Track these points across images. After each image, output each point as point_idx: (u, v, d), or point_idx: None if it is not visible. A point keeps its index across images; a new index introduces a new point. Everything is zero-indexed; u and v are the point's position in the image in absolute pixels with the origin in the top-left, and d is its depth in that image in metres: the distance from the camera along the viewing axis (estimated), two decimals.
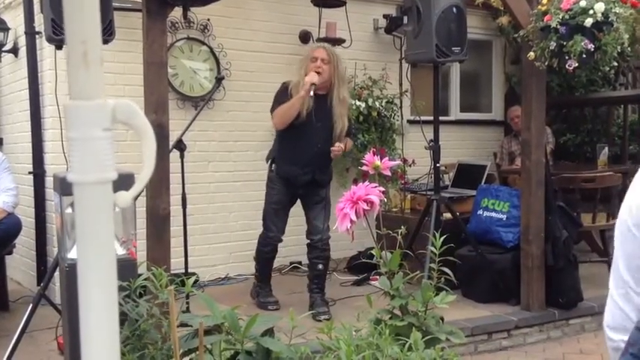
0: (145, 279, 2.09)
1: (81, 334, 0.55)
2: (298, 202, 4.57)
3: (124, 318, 1.94)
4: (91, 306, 0.55)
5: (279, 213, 4.44)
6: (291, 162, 4.33)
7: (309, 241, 4.49)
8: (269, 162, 4.51)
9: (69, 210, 2.08)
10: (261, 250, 4.52)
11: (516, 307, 4.49)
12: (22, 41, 5.19)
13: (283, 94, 4.27)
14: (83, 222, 0.57)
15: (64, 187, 2.09)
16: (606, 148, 6.35)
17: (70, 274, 2.08)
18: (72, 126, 0.57)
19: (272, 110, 4.31)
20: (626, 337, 1.53)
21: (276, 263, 5.16)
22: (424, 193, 5.41)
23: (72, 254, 2.11)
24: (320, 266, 4.45)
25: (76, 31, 0.54)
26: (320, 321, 4.01)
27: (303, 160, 4.30)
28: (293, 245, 5.23)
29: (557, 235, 4.35)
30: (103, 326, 0.55)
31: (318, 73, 4.16)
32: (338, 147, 4.23)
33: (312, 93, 4.10)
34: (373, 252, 2.27)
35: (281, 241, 4.52)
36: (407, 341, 1.97)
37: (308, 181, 4.36)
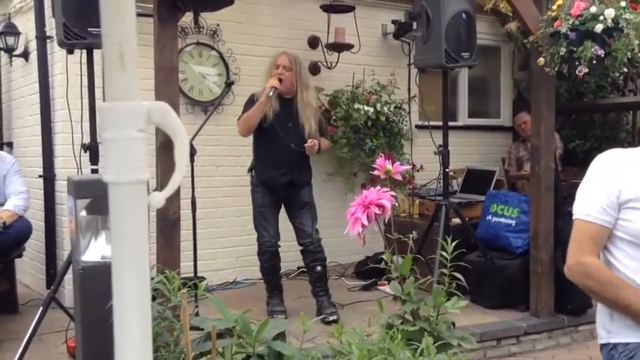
0: (157, 282, 2.10)
1: (115, 331, 0.56)
2: None
3: None
4: (125, 304, 0.56)
5: (267, 216, 4.45)
6: (269, 165, 4.42)
7: (301, 247, 4.52)
8: (250, 170, 4.59)
9: (83, 213, 2.09)
10: (260, 260, 4.52)
11: (525, 313, 4.48)
12: (33, 45, 5.22)
13: (249, 104, 4.40)
14: (118, 222, 0.58)
15: (79, 191, 2.10)
16: None
17: (85, 277, 2.09)
18: (107, 127, 0.57)
19: (238, 119, 4.44)
20: None
21: (282, 268, 5.17)
22: (433, 198, 5.41)
23: (86, 257, 2.12)
24: (318, 268, 4.48)
25: (113, 33, 0.55)
26: (329, 323, 4.10)
27: (280, 161, 4.38)
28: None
29: (566, 240, 4.32)
30: (137, 323, 0.55)
31: (280, 80, 4.29)
32: (311, 142, 4.32)
33: (271, 93, 4.22)
34: (384, 257, 2.27)
35: (277, 247, 4.47)
36: (419, 346, 1.97)
37: (287, 183, 4.42)
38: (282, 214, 4.65)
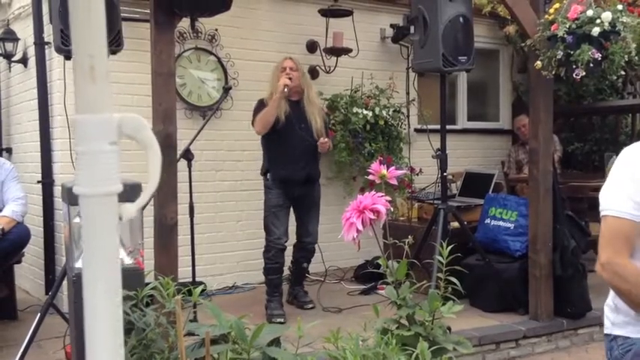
0: (152, 288, 2.10)
1: (86, 343, 0.56)
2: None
3: (130, 327, 1.95)
4: (96, 316, 0.55)
5: (279, 215, 4.61)
6: (285, 162, 4.59)
7: (299, 242, 4.79)
8: (264, 174, 4.74)
9: (77, 219, 2.09)
10: (265, 259, 4.62)
11: (524, 316, 4.47)
12: (32, 51, 5.23)
13: (260, 107, 4.61)
14: (89, 233, 0.58)
15: (72, 197, 2.10)
16: (614, 157, 6.31)
17: (78, 284, 2.09)
18: (79, 139, 0.57)
19: (253, 122, 4.64)
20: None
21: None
22: (431, 201, 5.41)
23: (79, 264, 2.11)
24: (305, 264, 4.84)
25: (83, 45, 0.55)
26: (308, 309, 4.71)
27: (295, 158, 4.58)
28: (294, 243, 5.23)
29: (565, 244, 4.33)
30: (108, 336, 0.55)
31: (289, 79, 4.56)
32: (324, 139, 4.58)
33: (286, 89, 4.48)
34: (380, 261, 2.27)
35: (284, 246, 4.61)
36: (414, 351, 1.97)
37: (304, 178, 4.62)
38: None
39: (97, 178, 0.57)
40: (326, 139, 4.61)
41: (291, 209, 4.76)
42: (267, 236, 4.63)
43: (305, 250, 4.78)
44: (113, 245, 0.58)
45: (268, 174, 4.68)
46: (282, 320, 4.39)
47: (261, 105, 4.63)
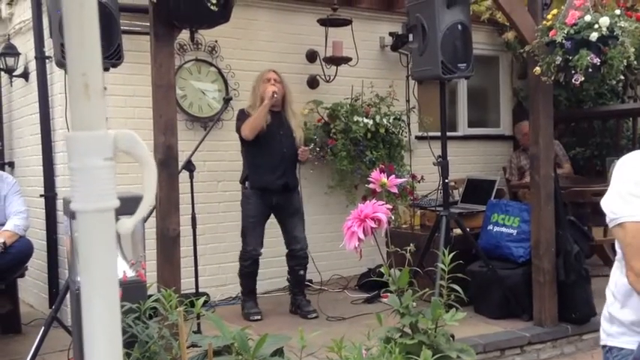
0: (155, 300, 2.10)
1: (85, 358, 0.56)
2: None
3: (134, 340, 1.95)
4: (95, 332, 0.56)
5: (256, 226, 4.73)
6: (264, 169, 4.69)
7: (289, 251, 4.86)
8: (242, 182, 4.83)
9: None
10: (242, 265, 4.77)
11: (529, 322, 4.46)
12: (33, 66, 5.26)
13: (243, 115, 4.73)
14: (86, 249, 0.58)
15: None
16: (616, 161, 6.29)
17: (80, 297, 2.09)
18: (74, 156, 0.58)
19: (238, 129, 4.70)
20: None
21: (280, 282, 5.21)
22: (433, 209, 5.40)
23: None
24: (301, 272, 4.88)
25: (77, 63, 0.56)
26: (311, 318, 4.68)
27: (274, 165, 4.70)
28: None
29: (568, 249, 4.32)
30: (107, 352, 0.55)
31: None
32: (303, 149, 4.77)
33: (275, 96, 4.60)
34: (382, 270, 2.27)
35: (260, 255, 4.74)
36: (417, 359, 1.96)
37: (281, 186, 4.71)
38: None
39: (92, 193, 0.58)
40: (306, 148, 4.79)
41: (273, 219, 4.86)
42: (243, 245, 4.76)
43: (297, 257, 4.84)
44: (111, 261, 0.58)
45: (247, 182, 4.77)
46: (259, 317, 4.66)
47: (243, 114, 4.73)
